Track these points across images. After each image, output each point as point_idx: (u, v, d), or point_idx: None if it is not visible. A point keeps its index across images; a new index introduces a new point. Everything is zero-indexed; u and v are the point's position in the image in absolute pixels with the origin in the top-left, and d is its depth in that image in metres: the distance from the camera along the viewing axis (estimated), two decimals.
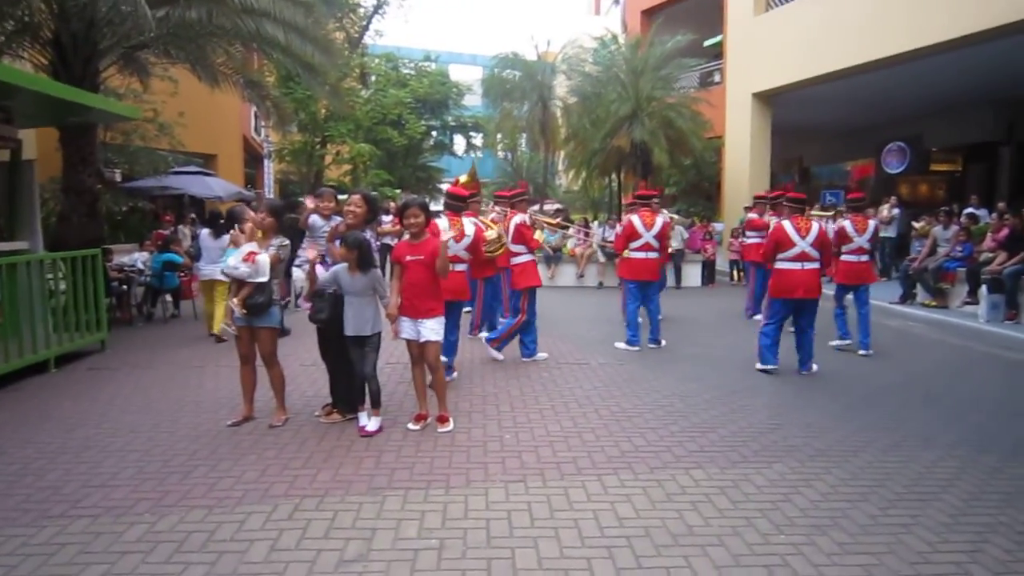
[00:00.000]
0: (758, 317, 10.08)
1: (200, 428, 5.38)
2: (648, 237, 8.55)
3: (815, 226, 7.23)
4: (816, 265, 7.20)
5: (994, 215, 12.34)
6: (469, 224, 6.71)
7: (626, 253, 8.71)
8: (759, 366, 7.38)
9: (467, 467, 4.61)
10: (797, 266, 7.15)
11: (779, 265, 7.26)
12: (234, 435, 5.21)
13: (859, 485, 4.37)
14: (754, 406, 6.11)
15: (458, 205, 6.71)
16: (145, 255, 11.11)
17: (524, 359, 7.83)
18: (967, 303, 10.77)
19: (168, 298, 10.96)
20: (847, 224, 8.70)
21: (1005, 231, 10.33)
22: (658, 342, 8.61)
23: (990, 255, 10.50)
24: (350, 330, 5.23)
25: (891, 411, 6.04)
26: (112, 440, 5.11)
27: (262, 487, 4.23)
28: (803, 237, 7.14)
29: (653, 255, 8.65)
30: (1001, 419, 5.85)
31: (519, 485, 4.31)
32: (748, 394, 6.52)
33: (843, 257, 8.64)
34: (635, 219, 8.69)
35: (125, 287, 10.42)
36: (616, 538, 3.64)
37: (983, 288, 10.11)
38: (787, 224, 7.28)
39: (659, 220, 8.71)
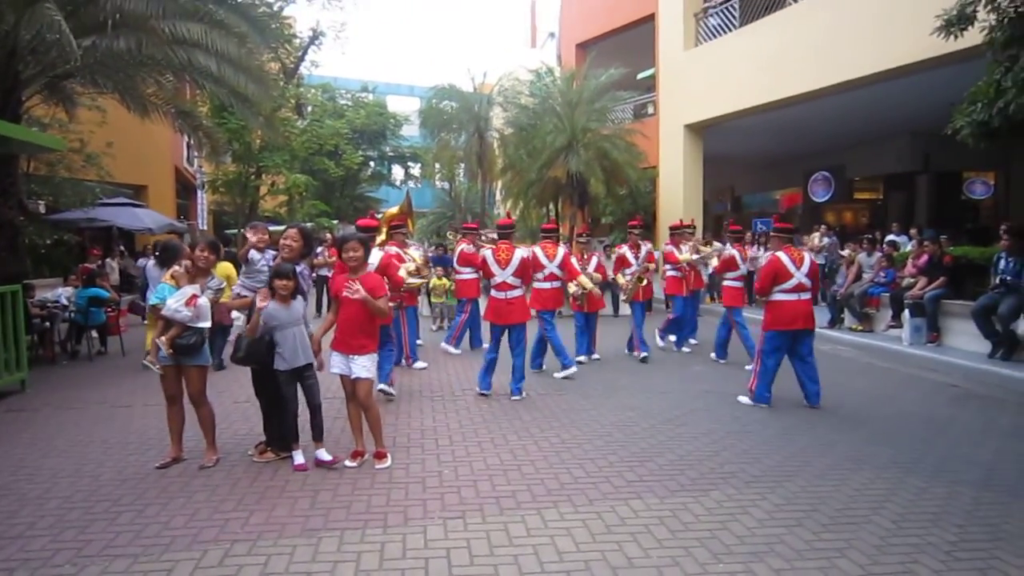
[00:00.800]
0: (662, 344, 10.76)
1: (126, 471, 5.17)
2: (552, 267, 8.66)
3: (807, 257, 7.23)
4: (809, 295, 7.21)
5: (913, 242, 12.86)
6: (376, 253, 7.06)
7: (533, 284, 8.62)
8: (749, 401, 7.25)
9: (405, 504, 4.53)
10: (795, 297, 7.09)
11: (777, 297, 7.13)
12: (162, 478, 5.02)
13: (794, 510, 4.45)
14: (691, 434, 6.18)
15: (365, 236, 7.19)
16: (70, 290, 10.70)
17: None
18: (891, 327, 11.14)
19: (94, 334, 10.56)
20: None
21: (925, 258, 10.75)
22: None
23: (911, 280, 10.90)
24: (300, 360, 5.17)
25: (823, 435, 6.19)
26: (31, 487, 4.87)
27: (191, 532, 4.08)
28: (798, 267, 7.09)
29: (559, 284, 8.86)
30: (925, 440, 6.05)
31: (458, 522, 4.25)
32: (685, 422, 6.59)
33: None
34: (538, 251, 8.73)
35: (48, 324, 10.00)
36: (557, 573, 3.61)
37: (906, 312, 10.48)
38: (782, 255, 7.17)
39: (560, 251, 8.79)
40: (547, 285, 8.70)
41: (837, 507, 4.50)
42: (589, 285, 8.96)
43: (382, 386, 7.31)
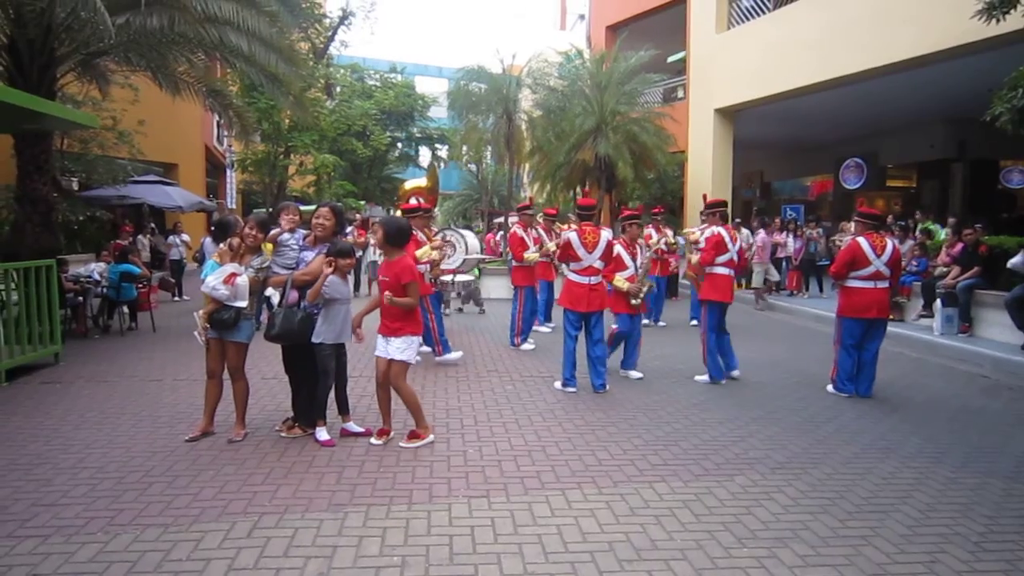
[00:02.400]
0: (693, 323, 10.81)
1: (157, 444, 5.26)
2: (591, 259, 7.11)
3: (889, 244, 7.04)
4: (887, 284, 7.04)
5: (948, 230, 12.65)
6: None
7: (566, 274, 7.39)
8: (832, 390, 7.18)
9: (430, 482, 4.57)
10: (870, 285, 6.95)
11: (852, 283, 7.01)
12: (192, 451, 5.10)
13: (819, 497, 4.42)
14: (716, 419, 6.15)
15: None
16: (102, 266, 10.87)
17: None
18: (922, 316, 11.00)
19: (125, 310, 10.72)
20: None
21: (959, 246, 10.59)
22: (604, 386, 7.12)
23: (944, 269, 10.74)
24: (345, 336, 5.37)
25: (850, 422, 6.14)
26: (65, 456, 4.98)
27: (220, 504, 4.14)
28: (879, 255, 6.93)
29: (596, 280, 7.16)
30: (954, 430, 5.97)
31: (482, 500, 4.28)
32: (710, 407, 6.57)
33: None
34: (573, 237, 7.15)
35: (81, 298, 10.17)
36: (580, 553, 3.62)
37: (938, 302, 10.33)
38: (863, 241, 6.99)
39: (604, 235, 7.20)
40: (583, 280, 7.11)
41: (863, 495, 4.47)
42: (625, 287, 7.61)
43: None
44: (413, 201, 9.05)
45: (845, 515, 4.15)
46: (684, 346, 9.69)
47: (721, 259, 7.66)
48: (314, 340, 5.29)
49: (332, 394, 5.48)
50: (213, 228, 5.72)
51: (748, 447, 5.41)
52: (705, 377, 7.59)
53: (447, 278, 9.20)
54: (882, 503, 4.35)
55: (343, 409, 5.57)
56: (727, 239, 7.73)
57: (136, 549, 3.59)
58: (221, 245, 5.54)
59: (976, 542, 3.84)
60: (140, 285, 10.92)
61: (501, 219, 21.92)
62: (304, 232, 5.66)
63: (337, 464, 4.86)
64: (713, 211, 8.11)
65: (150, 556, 3.51)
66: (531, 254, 9.82)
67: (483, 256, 9.83)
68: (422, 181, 8.97)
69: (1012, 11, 8.11)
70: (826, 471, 4.90)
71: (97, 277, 10.47)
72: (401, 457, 5.03)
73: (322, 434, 5.30)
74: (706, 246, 7.76)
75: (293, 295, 5.34)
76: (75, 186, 15.92)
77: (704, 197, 7.96)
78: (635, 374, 7.77)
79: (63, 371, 7.85)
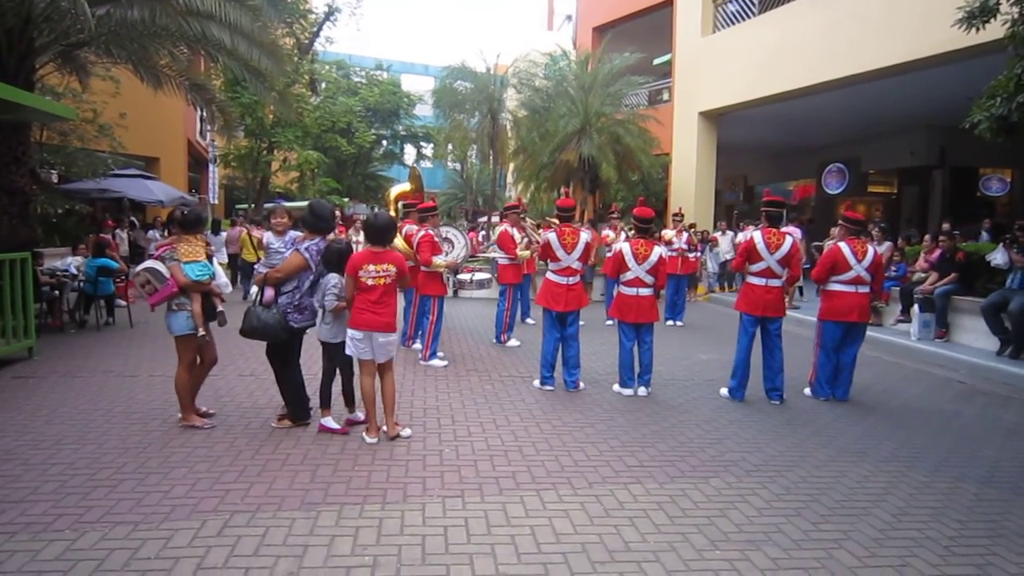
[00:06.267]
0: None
1: (129, 440, 5.20)
2: (569, 260, 7.23)
3: (870, 250, 7.12)
4: (868, 289, 7.10)
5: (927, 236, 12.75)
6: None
7: (548, 275, 7.38)
8: (810, 393, 7.26)
9: (405, 481, 4.54)
10: (851, 289, 7.04)
11: (833, 287, 7.09)
12: (164, 447, 5.04)
13: (793, 500, 4.44)
14: (694, 421, 6.17)
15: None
16: (79, 259, 10.74)
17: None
18: (900, 321, 11.09)
19: (102, 304, 10.60)
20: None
21: (937, 252, 10.68)
22: (576, 384, 7.21)
23: (922, 275, 10.83)
24: (342, 335, 5.45)
25: (825, 426, 6.17)
26: (34, 452, 4.90)
27: (191, 502, 4.10)
28: (859, 260, 7.01)
29: (574, 280, 7.24)
30: (929, 435, 6.02)
31: (457, 500, 4.26)
32: (688, 409, 6.58)
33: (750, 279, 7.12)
34: (552, 238, 7.27)
35: (57, 292, 10.04)
36: (553, 554, 3.61)
37: (915, 307, 10.42)
38: (844, 246, 7.09)
39: (583, 237, 7.24)
40: (562, 280, 7.20)
41: (837, 498, 4.49)
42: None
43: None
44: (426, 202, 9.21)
45: (818, 518, 4.17)
46: (662, 349, 9.70)
47: (754, 268, 7.03)
48: (332, 341, 5.49)
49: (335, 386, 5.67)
50: (185, 217, 5.76)
51: (724, 449, 5.43)
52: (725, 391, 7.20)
53: (464, 277, 9.48)
54: (855, 506, 4.37)
55: (349, 401, 5.70)
56: (760, 244, 6.98)
57: (104, 547, 3.54)
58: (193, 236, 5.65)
59: (946, 546, 3.87)
60: (118, 280, 10.81)
61: (485, 218, 21.92)
62: (296, 234, 5.67)
63: (311, 462, 4.82)
64: (764, 210, 7.31)
65: (118, 554, 3.47)
66: (522, 251, 9.89)
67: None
68: (406, 186, 8.96)
69: (992, 20, 8.19)
70: (800, 474, 4.93)
71: (74, 271, 10.35)
72: (376, 456, 5.00)
73: (329, 422, 5.49)
74: (738, 251, 7.36)
75: (269, 293, 5.38)
76: (54, 179, 15.74)
77: (767, 193, 7.60)
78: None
79: (36, 366, 7.74)
